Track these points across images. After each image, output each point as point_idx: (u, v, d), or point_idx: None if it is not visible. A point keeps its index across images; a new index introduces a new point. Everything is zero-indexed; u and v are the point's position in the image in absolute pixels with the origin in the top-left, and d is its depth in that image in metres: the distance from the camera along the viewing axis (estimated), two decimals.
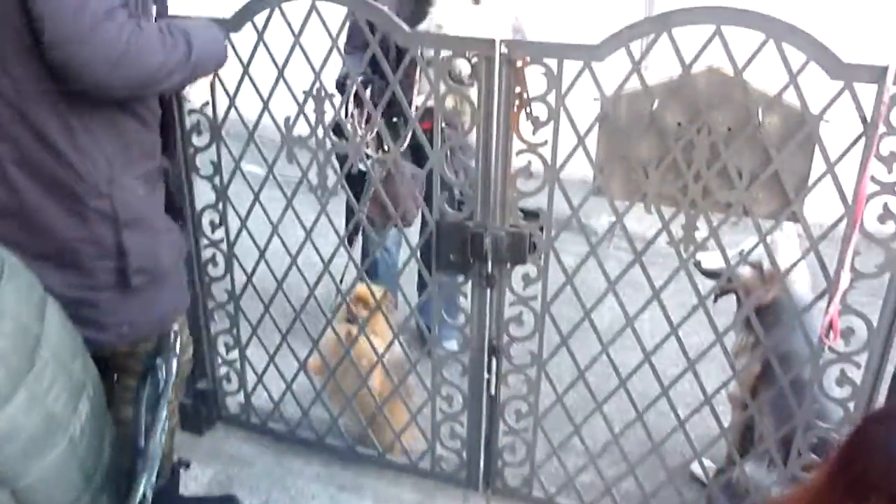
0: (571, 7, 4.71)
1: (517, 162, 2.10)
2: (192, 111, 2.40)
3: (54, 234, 1.78)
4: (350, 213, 2.61)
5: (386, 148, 2.30)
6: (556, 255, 2.18)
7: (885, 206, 1.82)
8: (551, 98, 1.98)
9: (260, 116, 2.32)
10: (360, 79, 2.20)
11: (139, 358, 1.88)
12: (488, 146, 2.09)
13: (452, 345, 2.92)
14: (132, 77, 1.65)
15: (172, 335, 1.58)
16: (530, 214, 2.17)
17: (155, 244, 1.90)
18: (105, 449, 1.48)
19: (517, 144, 2.08)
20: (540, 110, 2.01)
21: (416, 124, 2.14)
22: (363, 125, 2.47)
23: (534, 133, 2.04)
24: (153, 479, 1.45)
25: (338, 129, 2.32)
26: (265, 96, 2.29)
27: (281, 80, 2.24)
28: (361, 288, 2.55)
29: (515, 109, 2.04)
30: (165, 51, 1.71)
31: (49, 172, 1.74)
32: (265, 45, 2.21)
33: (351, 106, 2.41)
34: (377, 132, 2.35)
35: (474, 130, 2.10)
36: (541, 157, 2.05)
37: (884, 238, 1.85)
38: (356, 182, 2.44)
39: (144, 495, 1.43)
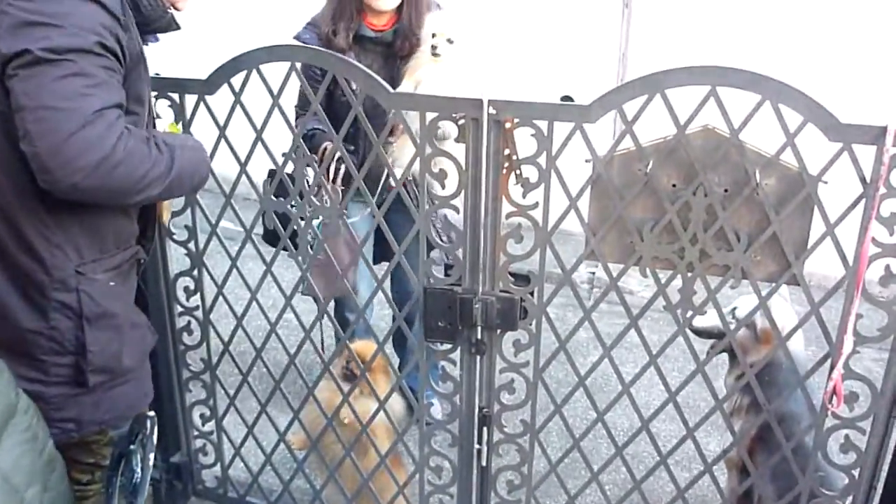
0: (540, 55, 4.68)
1: (506, 225, 2.03)
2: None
3: (13, 323, 1.67)
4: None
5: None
6: (548, 319, 2.10)
7: (888, 267, 1.78)
8: (541, 160, 1.92)
9: (237, 179, 2.23)
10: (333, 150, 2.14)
11: (89, 448, 1.76)
12: (476, 209, 2.01)
13: (436, 411, 2.82)
14: (112, 183, 1.54)
15: (149, 421, 1.47)
16: (521, 278, 2.09)
17: (119, 343, 1.79)
18: None
19: (506, 207, 2.01)
20: (530, 172, 1.94)
21: (401, 187, 2.07)
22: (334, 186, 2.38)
23: (524, 196, 1.97)
24: None
25: (280, 186, 2.22)
26: (241, 158, 2.20)
27: (259, 143, 2.16)
28: (360, 345, 2.43)
29: (504, 171, 1.98)
30: (150, 161, 1.61)
31: (13, 260, 1.64)
32: (243, 107, 2.13)
33: (328, 168, 2.32)
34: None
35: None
36: (531, 219, 1.98)
37: (887, 301, 1.80)
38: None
39: None
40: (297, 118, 2.25)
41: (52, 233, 1.65)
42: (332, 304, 2.83)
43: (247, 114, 2.13)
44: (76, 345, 1.71)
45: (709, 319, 2.42)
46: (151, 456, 1.44)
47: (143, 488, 1.42)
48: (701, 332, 2.45)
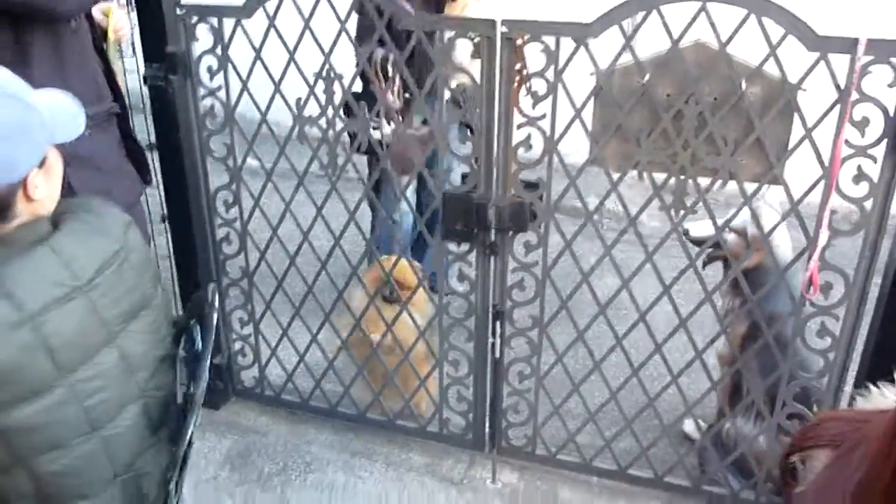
0: None
1: (518, 135, 2.24)
2: (204, 95, 2.52)
3: None
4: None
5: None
6: (556, 222, 2.32)
7: (860, 167, 1.98)
8: (549, 74, 2.12)
9: (272, 98, 2.44)
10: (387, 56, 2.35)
11: None
12: (490, 121, 2.23)
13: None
14: None
15: (210, 290, 1.67)
16: (530, 185, 2.31)
17: (104, 183, 2.01)
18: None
19: (517, 119, 2.22)
20: (539, 85, 2.15)
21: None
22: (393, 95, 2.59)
23: (533, 107, 2.17)
24: (197, 423, 1.57)
25: (347, 109, 2.44)
26: (276, 79, 2.41)
27: (292, 64, 2.37)
28: (398, 270, 2.63)
29: (516, 85, 2.18)
30: None
31: None
32: (276, 30, 2.33)
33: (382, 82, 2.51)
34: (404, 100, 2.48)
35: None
36: (540, 129, 2.19)
37: (858, 198, 2.01)
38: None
39: (189, 441, 1.55)
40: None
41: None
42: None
43: (280, 37, 2.33)
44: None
45: (703, 229, 2.64)
46: (215, 317, 1.64)
47: (207, 354, 1.59)
48: (698, 242, 2.66)
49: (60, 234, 1.33)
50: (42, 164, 1.31)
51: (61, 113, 1.36)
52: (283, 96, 2.43)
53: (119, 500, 1.46)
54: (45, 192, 1.32)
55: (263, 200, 2.64)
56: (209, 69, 2.48)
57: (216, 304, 1.63)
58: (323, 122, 2.42)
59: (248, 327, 2.88)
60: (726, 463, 2.50)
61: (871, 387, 1.22)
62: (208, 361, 1.57)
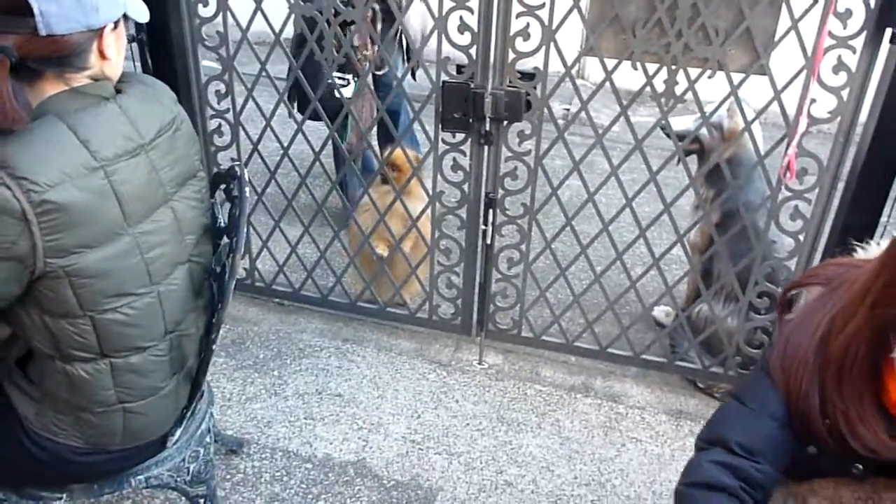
0: None
1: (516, 25, 2.29)
2: None
3: None
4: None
5: None
6: (550, 112, 2.41)
7: (840, 58, 2.11)
8: None
9: None
10: None
11: None
12: (489, 10, 2.28)
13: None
14: None
15: (238, 167, 1.72)
16: (526, 76, 2.39)
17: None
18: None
19: (516, 7, 2.27)
20: None
21: None
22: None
23: None
24: (231, 291, 1.66)
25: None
26: None
27: None
28: (395, 153, 2.71)
29: None
30: None
31: None
32: None
33: None
34: None
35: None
36: (538, 18, 2.25)
37: (836, 87, 2.15)
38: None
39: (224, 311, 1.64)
40: None
41: None
42: None
43: None
44: None
45: (683, 123, 2.77)
46: (247, 191, 1.70)
47: (243, 225, 1.62)
48: (679, 136, 2.79)
49: (124, 95, 1.40)
50: (115, 26, 1.37)
51: None
52: None
53: (166, 355, 1.56)
54: (114, 54, 1.38)
55: (255, 94, 2.66)
56: None
57: (246, 179, 1.69)
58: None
59: None
60: (697, 341, 2.70)
61: (871, 242, 1.39)
62: (244, 234, 1.65)
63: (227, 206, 1.80)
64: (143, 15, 1.45)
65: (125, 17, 1.41)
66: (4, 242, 1.24)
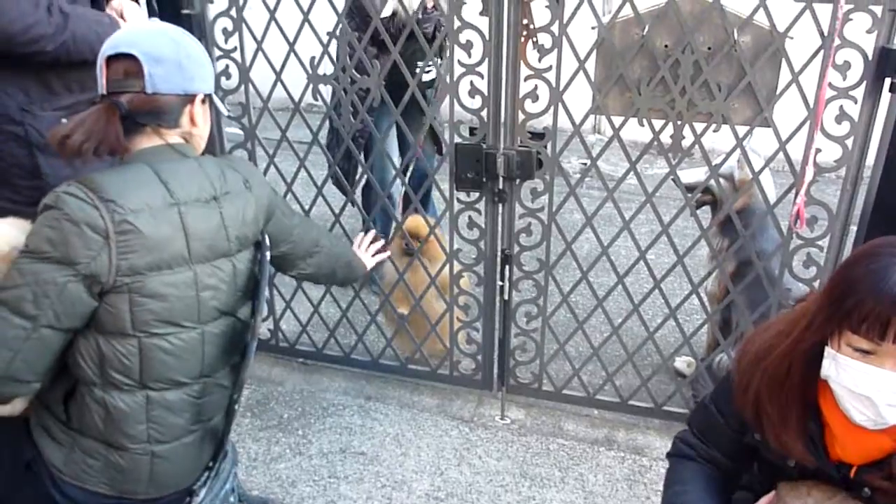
0: None
1: (525, 87, 2.38)
2: (219, 57, 2.63)
3: None
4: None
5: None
6: (561, 170, 2.48)
7: (841, 108, 2.16)
8: (555, 28, 2.27)
9: (286, 58, 2.55)
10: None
11: None
12: (498, 74, 2.37)
13: None
14: None
15: (260, 233, 1.81)
16: (536, 135, 2.46)
17: (75, 170, 2.05)
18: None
19: (524, 71, 2.36)
20: (545, 39, 2.29)
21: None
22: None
23: (539, 60, 2.32)
24: (253, 350, 1.73)
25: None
26: (291, 39, 2.52)
27: (305, 25, 2.48)
28: (410, 221, 2.80)
29: (523, 39, 2.32)
30: (33, 18, 1.93)
31: None
32: None
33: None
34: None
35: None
36: (546, 80, 2.34)
37: (840, 136, 2.19)
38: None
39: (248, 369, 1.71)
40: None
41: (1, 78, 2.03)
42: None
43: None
44: (33, 169, 2.09)
45: (692, 175, 2.82)
46: (268, 256, 1.78)
47: (263, 290, 1.71)
48: (689, 188, 2.84)
49: (204, 158, 1.64)
50: (204, 100, 1.63)
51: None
52: (297, 55, 2.54)
53: (198, 398, 1.65)
54: (202, 123, 1.64)
55: (277, 160, 2.76)
56: (224, 31, 2.58)
57: (268, 244, 1.76)
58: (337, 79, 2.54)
59: None
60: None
61: None
62: (265, 296, 1.72)
63: None
64: (222, 108, 1.84)
65: (211, 99, 1.66)
66: (86, 257, 1.41)
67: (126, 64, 1.51)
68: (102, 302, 1.47)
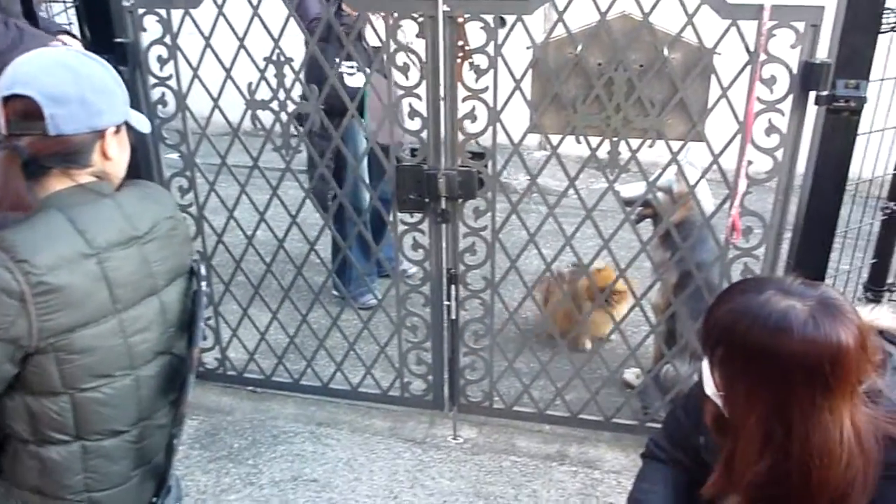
0: None
1: (463, 108, 2.40)
2: (155, 85, 2.60)
3: None
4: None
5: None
6: (503, 188, 2.50)
7: (770, 121, 2.22)
8: (490, 49, 2.29)
9: (223, 85, 2.53)
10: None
11: None
12: (436, 95, 2.38)
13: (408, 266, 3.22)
14: None
15: (197, 265, 1.77)
16: (477, 155, 2.48)
17: None
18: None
19: (462, 92, 2.38)
20: (481, 60, 2.31)
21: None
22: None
23: (476, 81, 2.34)
24: (192, 384, 1.69)
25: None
26: (227, 65, 2.50)
27: (242, 51, 2.46)
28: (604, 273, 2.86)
29: (459, 61, 2.34)
30: None
31: None
32: (225, 18, 2.42)
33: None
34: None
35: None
36: (483, 101, 2.36)
37: (770, 148, 2.25)
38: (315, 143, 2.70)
39: (187, 403, 1.67)
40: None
41: None
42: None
43: (229, 24, 2.42)
44: None
45: (632, 190, 2.86)
46: (204, 286, 1.75)
47: (200, 321, 1.69)
48: (630, 202, 2.89)
49: (122, 194, 1.52)
50: (117, 131, 1.49)
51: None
52: (234, 82, 2.52)
53: (137, 443, 1.60)
54: (116, 156, 1.50)
55: (218, 186, 2.73)
56: (159, 58, 2.55)
57: (203, 274, 1.73)
58: (275, 104, 2.52)
59: (207, 310, 2.95)
60: (666, 401, 2.73)
61: None
62: (202, 328, 1.69)
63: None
64: (144, 126, 1.57)
65: (128, 125, 1.54)
66: (3, 323, 1.33)
67: (24, 104, 1.38)
68: (27, 365, 1.39)
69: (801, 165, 2.29)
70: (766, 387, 1.19)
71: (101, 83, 1.45)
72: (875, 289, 2.84)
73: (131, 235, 1.49)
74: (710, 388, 1.29)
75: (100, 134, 1.45)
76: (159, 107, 2.63)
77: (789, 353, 1.15)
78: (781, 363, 1.16)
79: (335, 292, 3.39)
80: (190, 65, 2.52)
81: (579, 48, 2.28)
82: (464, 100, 2.39)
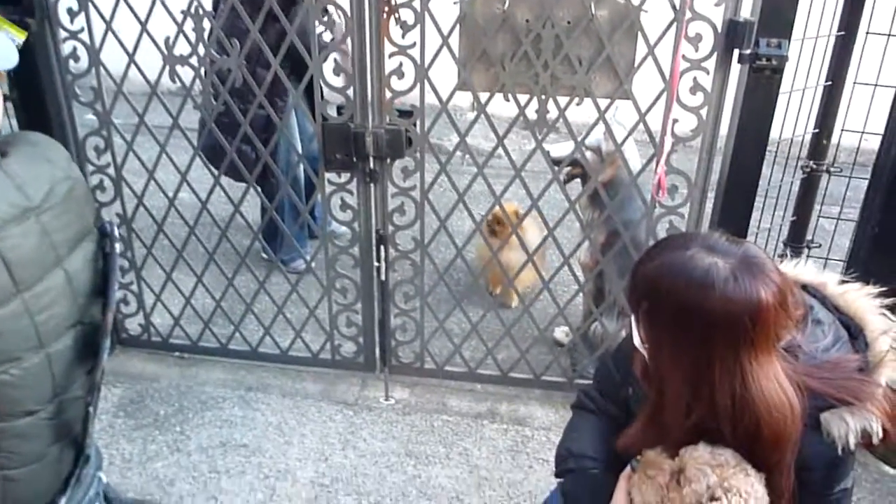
0: None
1: (390, 64, 2.35)
2: (66, 38, 2.46)
3: None
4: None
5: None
6: (431, 147, 2.47)
7: (695, 79, 2.23)
8: (417, 3, 2.24)
9: (139, 39, 2.41)
10: None
11: None
12: (363, 51, 2.32)
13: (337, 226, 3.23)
14: None
15: (109, 225, 1.69)
16: (405, 113, 2.44)
17: None
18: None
19: (388, 48, 2.32)
20: (407, 15, 2.26)
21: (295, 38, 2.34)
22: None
23: (403, 37, 2.29)
24: (107, 350, 1.63)
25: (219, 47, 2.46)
26: (143, 19, 2.39)
27: (157, 3, 2.35)
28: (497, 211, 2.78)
29: (385, 16, 2.28)
30: None
31: None
32: None
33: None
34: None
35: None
36: (411, 57, 2.31)
37: (695, 107, 2.27)
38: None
39: (102, 370, 1.60)
40: None
41: None
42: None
43: None
44: None
45: (562, 149, 2.87)
46: (118, 247, 1.67)
47: (113, 285, 1.62)
48: (559, 161, 2.89)
49: (9, 159, 1.35)
50: None
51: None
52: (150, 36, 2.41)
53: (53, 419, 1.51)
54: None
55: (138, 147, 2.62)
56: (69, 11, 2.42)
57: (116, 235, 1.66)
58: (194, 59, 2.43)
59: (129, 275, 2.87)
60: (594, 358, 2.78)
61: None
62: (115, 291, 1.62)
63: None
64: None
65: None
66: None
67: None
68: None
69: (725, 127, 2.32)
70: (689, 343, 1.21)
71: None
72: (795, 245, 2.91)
73: (25, 207, 1.35)
74: (637, 341, 1.31)
75: None
76: (71, 62, 2.50)
77: (710, 309, 1.16)
78: (704, 319, 1.17)
79: (264, 255, 3.32)
80: (103, 17, 2.39)
81: (507, 4, 2.24)
82: (391, 56, 2.34)
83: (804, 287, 1.40)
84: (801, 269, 1.45)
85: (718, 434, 1.23)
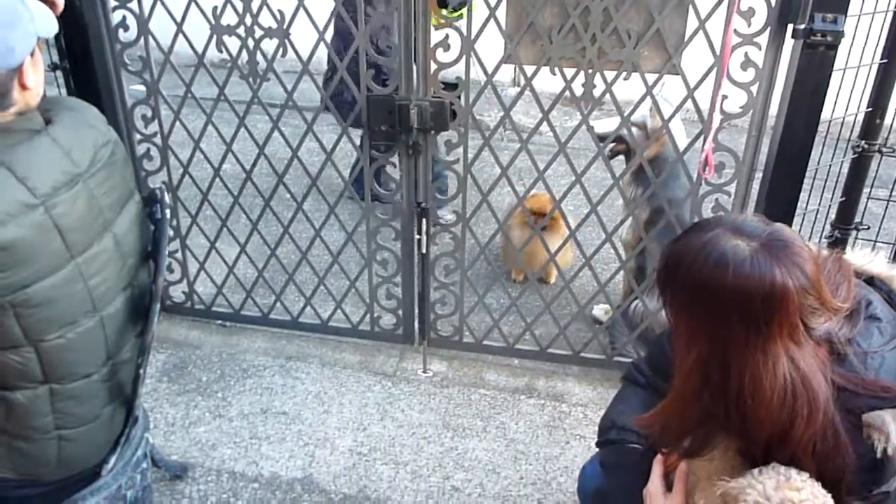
0: None
1: (436, 36, 2.33)
2: (115, 7, 2.49)
3: None
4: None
5: None
6: (475, 121, 2.46)
7: (746, 54, 2.19)
8: None
9: (187, 9, 2.43)
10: None
11: None
12: (409, 24, 2.31)
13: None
14: None
15: (159, 190, 1.71)
16: (450, 85, 2.43)
17: None
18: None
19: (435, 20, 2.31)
20: None
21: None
22: None
23: (449, 8, 2.28)
24: (157, 313, 1.66)
25: None
26: None
27: None
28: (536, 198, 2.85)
29: None
30: None
31: None
32: None
33: None
34: None
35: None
36: (457, 29, 2.30)
37: (745, 83, 2.23)
38: None
39: (153, 333, 1.64)
40: None
41: None
42: None
43: None
44: None
45: (606, 125, 2.84)
46: (168, 213, 1.70)
47: (164, 250, 1.64)
48: (604, 137, 2.86)
49: (55, 126, 1.39)
50: (32, 53, 1.35)
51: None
52: (198, 5, 2.43)
53: (107, 381, 1.56)
54: (35, 80, 1.37)
55: (184, 118, 2.65)
56: None
57: (167, 202, 1.68)
58: (241, 30, 2.44)
59: (174, 243, 2.91)
60: (634, 336, 2.76)
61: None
62: (166, 256, 1.65)
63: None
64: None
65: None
66: None
67: None
68: None
69: (775, 106, 2.28)
70: (704, 325, 1.18)
71: (4, 14, 1.29)
72: (842, 227, 2.85)
73: (74, 174, 1.38)
74: (667, 320, 1.30)
75: (17, 70, 1.32)
76: (120, 31, 2.52)
77: (723, 290, 1.14)
78: (717, 301, 1.15)
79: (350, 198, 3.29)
80: None
81: None
82: (437, 28, 2.32)
83: (870, 280, 1.35)
84: (872, 261, 1.39)
85: (727, 421, 1.21)
